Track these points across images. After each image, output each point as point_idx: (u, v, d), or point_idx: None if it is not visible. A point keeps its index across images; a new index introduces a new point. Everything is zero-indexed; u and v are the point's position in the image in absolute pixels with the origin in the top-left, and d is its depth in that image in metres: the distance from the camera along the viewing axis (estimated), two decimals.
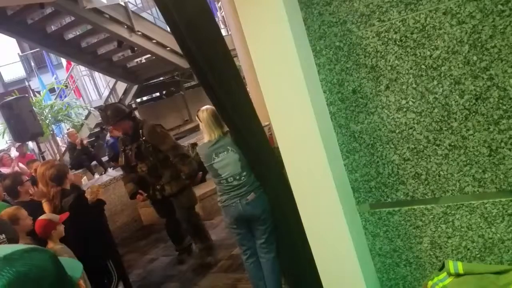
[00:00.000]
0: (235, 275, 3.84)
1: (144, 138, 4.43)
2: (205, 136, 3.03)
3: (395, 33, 1.95)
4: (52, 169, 3.44)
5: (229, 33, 6.75)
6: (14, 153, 10.48)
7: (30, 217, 3.05)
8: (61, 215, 3.16)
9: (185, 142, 7.15)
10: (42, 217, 3.07)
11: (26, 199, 3.63)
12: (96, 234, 3.23)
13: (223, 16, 11.39)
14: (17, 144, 10.29)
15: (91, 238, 3.12)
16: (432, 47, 1.89)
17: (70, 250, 3.03)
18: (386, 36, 1.98)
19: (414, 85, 1.98)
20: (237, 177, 2.93)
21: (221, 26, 11.68)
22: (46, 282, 0.70)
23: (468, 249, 2.07)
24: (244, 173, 2.91)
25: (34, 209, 3.33)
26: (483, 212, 1.99)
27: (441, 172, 2.04)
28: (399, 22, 1.93)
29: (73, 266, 0.83)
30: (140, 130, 4.47)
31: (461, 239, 2.08)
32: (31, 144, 11.57)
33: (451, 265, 2.02)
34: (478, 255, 2.05)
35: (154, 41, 8.84)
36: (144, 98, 14.17)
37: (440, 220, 2.10)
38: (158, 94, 14.22)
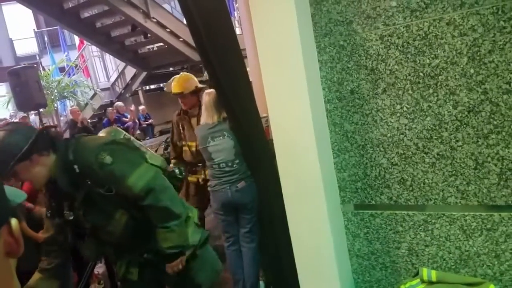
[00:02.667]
0: None
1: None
2: (203, 118, 3.08)
3: (398, 38, 1.99)
4: None
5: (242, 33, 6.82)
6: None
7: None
8: None
9: None
10: None
11: None
12: None
13: (239, 17, 11.46)
14: (21, 115, 10.37)
15: None
16: (432, 55, 1.93)
17: None
18: (389, 40, 2.01)
19: (410, 91, 2.02)
20: (230, 164, 2.97)
21: (236, 25, 11.75)
22: None
23: (444, 259, 2.10)
24: (237, 161, 2.95)
25: None
26: (463, 224, 2.02)
27: (426, 180, 2.07)
28: (403, 27, 1.97)
29: (15, 193, 0.83)
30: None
31: (438, 248, 2.11)
32: (33, 118, 11.64)
33: (425, 272, 2.05)
34: (453, 267, 2.08)
35: (168, 30, 8.91)
36: (151, 87, 14.24)
37: (420, 228, 2.13)
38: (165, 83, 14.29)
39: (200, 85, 3.93)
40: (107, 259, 4.11)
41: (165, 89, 4.81)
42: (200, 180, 3.90)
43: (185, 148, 3.87)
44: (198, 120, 3.47)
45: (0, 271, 0.70)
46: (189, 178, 3.98)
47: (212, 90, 3.02)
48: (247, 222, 3.00)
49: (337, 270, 2.32)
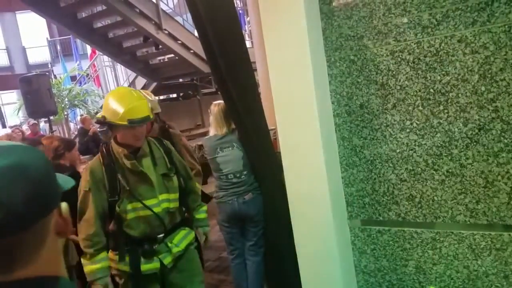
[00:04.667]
0: (220, 276, 3.84)
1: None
2: (212, 129, 3.09)
3: (409, 54, 1.99)
4: (56, 141, 3.49)
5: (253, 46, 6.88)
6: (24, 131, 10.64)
7: None
8: None
9: (193, 144, 7.19)
10: None
11: None
12: None
13: (250, 30, 11.55)
14: (31, 122, 10.47)
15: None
16: (443, 72, 1.92)
17: None
18: (400, 56, 2.01)
19: (420, 108, 2.01)
20: (237, 175, 2.97)
21: (247, 38, 11.84)
22: (33, 174, 0.76)
23: (452, 279, 2.07)
24: (245, 172, 2.95)
25: None
26: (472, 243, 1.99)
27: (435, 198, 2.05)
28: (414, 44, 1.97)
29: (64, 179, 0.89)
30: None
31: (446, 267, 2.07)
32: (42, 125, 11.74)
33: None
34: (461, 286, 2.05)
35: (179, 42, 8.97)
36: (161, 97, 14.34)
37: (428, 246, 2.10)
38: (175, 95, 14.37)
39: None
40: None
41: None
42: (157, 269, 2.37)
43: (139, 213, 2.32)
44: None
45: (50, 249, 0.79)
46: (145, 267, 2.34)
47: (220, 101, 3.03)
48: (253, 235, 2.98)
49: (342, 286, 2.30)
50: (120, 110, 2.25)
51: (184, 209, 2.53)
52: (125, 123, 2.24)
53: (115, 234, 2.34)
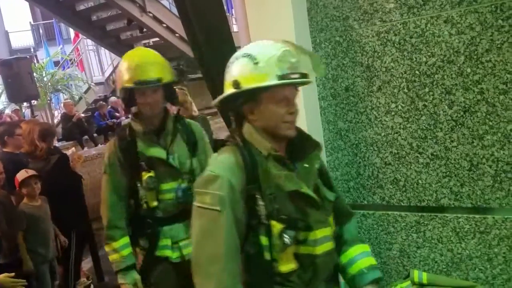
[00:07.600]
0: None
1: None
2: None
3: (395, 35, 1.95)
4: (39, 125, 3.42)
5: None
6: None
7: (3, 173, 3.01)
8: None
9: None
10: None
11: (13, 151, 3.57)
12: (68, 199, 3.22)
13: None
14: (13, 107, 10.28)
15: (62, 201, 3.12)
16: (429, 53, 1.89)
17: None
18: (386, 37, 1.98)
19: (405, 90, 1.98)
20: None
21: (234, 22, 11.71)
22: None
23: (436, 262, 2.06)
24: None
25: (16, 162, 3.30)
26: (456, 227, 1.99)
27: (419, 181, 2.03)
28: (400, 24, 1.93)
29: None
30: None
31: (430, 250, 2.07)
32: (25, 111, 11.54)
33: (416, 274, 2.01)
34: (445, 269, 2.05)
35: (164, 25, 8.86)
36: None
37: (412, 229, 2.09)
38: None
39: None
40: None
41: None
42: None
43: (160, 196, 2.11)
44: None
45: None
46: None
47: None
48: None
49: None
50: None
51: None
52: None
53: None
